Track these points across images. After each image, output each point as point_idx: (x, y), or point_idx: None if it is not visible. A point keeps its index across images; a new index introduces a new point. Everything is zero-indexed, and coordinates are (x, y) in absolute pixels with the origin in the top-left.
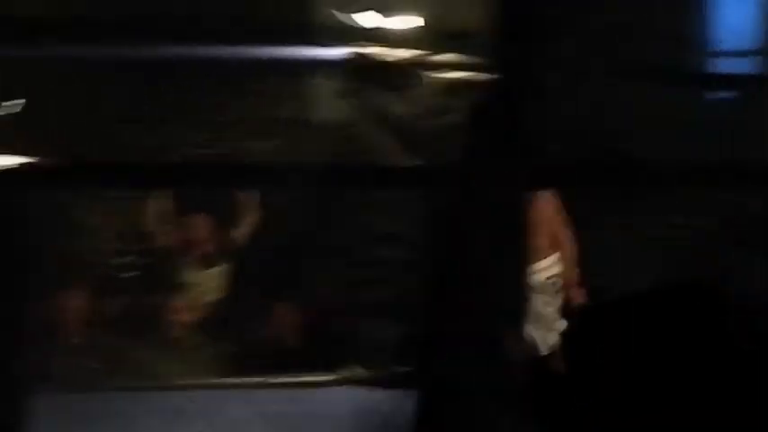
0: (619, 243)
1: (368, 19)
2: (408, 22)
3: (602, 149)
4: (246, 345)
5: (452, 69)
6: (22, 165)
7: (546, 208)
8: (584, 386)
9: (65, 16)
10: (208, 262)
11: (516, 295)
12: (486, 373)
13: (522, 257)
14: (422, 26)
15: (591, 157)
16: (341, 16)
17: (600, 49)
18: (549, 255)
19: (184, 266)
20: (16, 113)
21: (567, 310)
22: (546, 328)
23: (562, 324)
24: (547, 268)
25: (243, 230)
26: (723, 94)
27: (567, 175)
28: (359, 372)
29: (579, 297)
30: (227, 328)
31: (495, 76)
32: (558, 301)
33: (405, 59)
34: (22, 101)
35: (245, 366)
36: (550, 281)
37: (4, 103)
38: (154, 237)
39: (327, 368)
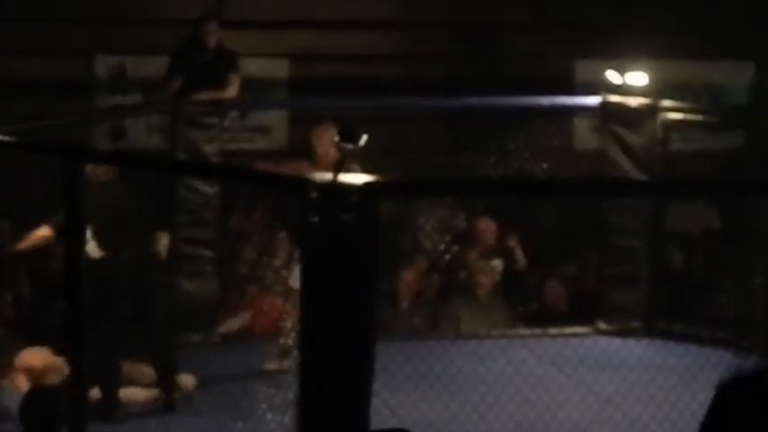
0: None
1: (614, 77)
2: (642, 78)
3: None
4: (528, 307)
5: (674, 112)
6: (381, 181)
7: None
8: None
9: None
10: (493, 253)
11: None
12: None
13: None
14: (652, 81)
15: None
16: (596, 74)
17: None
18: None
19: (479, 254)
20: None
21: None
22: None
23: None
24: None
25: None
26: None
27: None
28: (604, 326)
29: None
30: (515, 296)
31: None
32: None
33: (640, 104)
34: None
35: (528, 322)
36: None
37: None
38: (458, 234)
39: (584, 323)
